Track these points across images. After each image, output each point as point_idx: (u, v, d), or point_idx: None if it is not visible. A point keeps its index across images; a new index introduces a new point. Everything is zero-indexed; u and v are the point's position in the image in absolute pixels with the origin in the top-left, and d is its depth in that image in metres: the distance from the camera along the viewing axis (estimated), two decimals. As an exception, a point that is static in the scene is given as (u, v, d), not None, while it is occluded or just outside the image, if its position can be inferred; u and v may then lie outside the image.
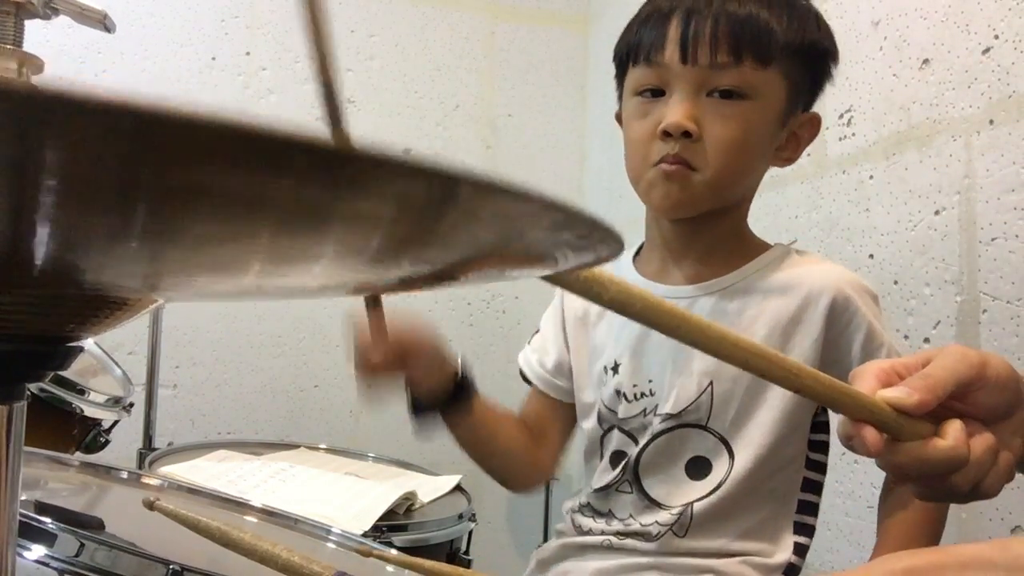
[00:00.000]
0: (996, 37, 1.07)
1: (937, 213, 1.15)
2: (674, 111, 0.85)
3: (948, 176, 1.13)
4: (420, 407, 0.97)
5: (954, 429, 0.54)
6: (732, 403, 0.89)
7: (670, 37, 0.86)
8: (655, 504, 0.92)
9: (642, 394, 0.94)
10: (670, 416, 0.91)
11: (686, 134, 0.85)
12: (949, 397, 0.54)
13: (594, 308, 1.00)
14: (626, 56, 0.92)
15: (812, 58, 0.90)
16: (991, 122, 1.07)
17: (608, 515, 0.96)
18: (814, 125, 0.94)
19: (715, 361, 0.90)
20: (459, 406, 0.97)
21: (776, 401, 0.88)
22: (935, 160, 1.15)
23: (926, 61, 1.18)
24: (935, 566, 0.37)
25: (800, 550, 0.92)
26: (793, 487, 0.92)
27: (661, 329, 0.52)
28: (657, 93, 0.88)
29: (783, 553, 0.90)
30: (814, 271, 0.91)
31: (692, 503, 0.90)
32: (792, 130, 0.92)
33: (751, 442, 0.89)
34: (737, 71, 0.85)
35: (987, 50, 1.08)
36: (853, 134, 1.31)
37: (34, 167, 0.17)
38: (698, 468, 0.91)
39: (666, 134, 0.85)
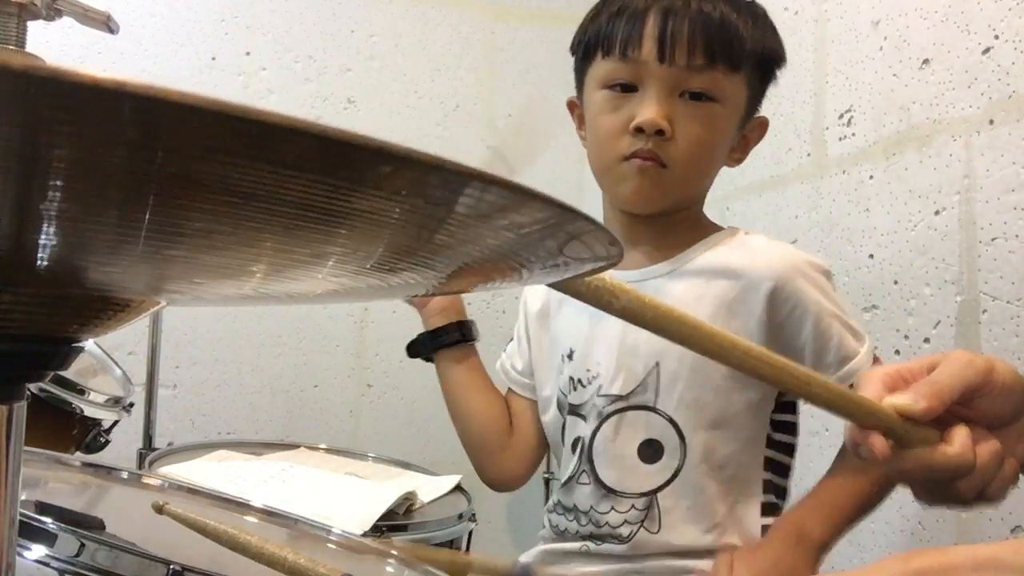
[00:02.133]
0: (996, 37, 1.07)
1: (937, 213, 1.15)
2: (649, 108, 0.86)
3: (948, 176, 1.13)
4: (421, 343, 1.10)
5: (960, 436, 0.54)
6: (678, 383, 0.90)
7: (647, 34, 0.87)
8: (611, 492, 0.92)
9: (592, 378, 0.95)
10: (618, 398, 0.92)
11: (659, 132, 0.86)
12: (955, 403, 0.54)
13: (553, 301, 1.03)
14: (593, 46, 0.92)
15: (769, 64, 0.93)
16: (991, 122, 1.07)
17: (574, 510, 0.96)
18: (763, 128, 0.97)
19: (662, 341, 0.91)
20: (455, 346, 1.08)
21: (722, 383, 0.89)
22: (935, 160, 1.15)
23: (926, 61, 1.18)
24: (946, 567, 0.37)
25: (766, 531, 0.92)
26: (754, 467, 0.93)
27: (672, 338, 0.53)
28: (628, 88, 0.89)
29: (754, 537, 0.91)
30: (759, 255, 0.92)
31: (655, 493, 0.90)
32: (744, 133, 0.95)
33: (699, 424, 0.89)
34: (710, 75, 0.87)
35: (987, 50, 1.08)
36: (853, 134, 1.31)
37: (38, 154, 0.17)
38: (650, 451, 0.91)
39: (639, 130, 0.87)
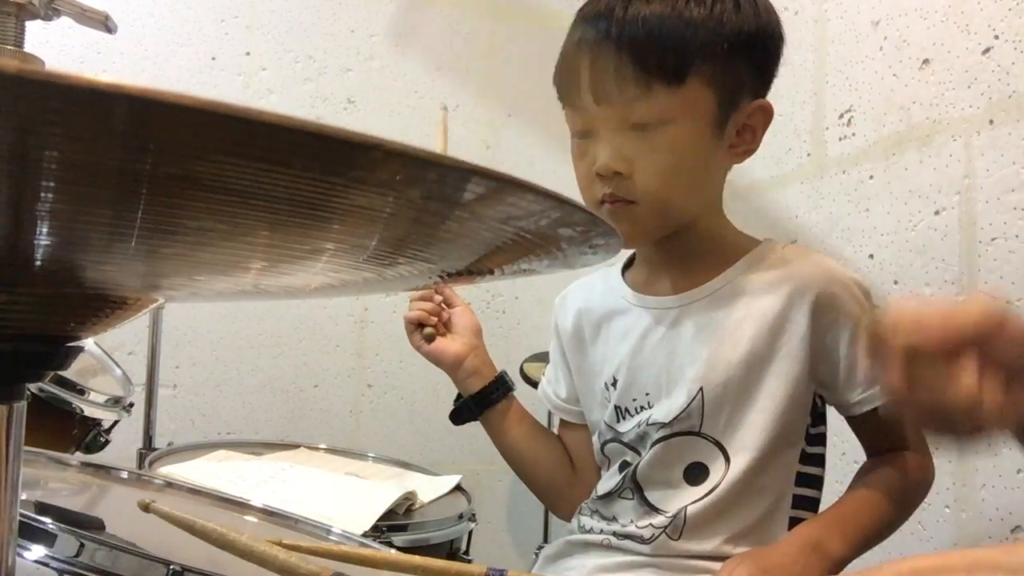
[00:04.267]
0: (996, 37, 1.07)
1: (937, 213, 1.15)
2: (600, 153, 0.85)
3: (948, 176, 1.13)
4: (463, 408, 1.09)
5: (968, 369, 0.56)
6: (724, 408, 0.89)
7: (582, 79, 0.85)
8: (654, 509, 0.92)
9: (640, 408, 0.94)
10: (663, 425, 0.91)
11: (617, 173, 0.85)
12: (968, 345, 0.56)
13: (587, 324, 1.02)
14: (559, 95, 0.92)
15: (742, 49, 0.85)
16: (991, 122, 1.07)
17: (613, 520, 0.96)
18: (765, 112, 0.90)
19: (705, 368, 0.90)
20: (495, 403, 1.07)
21: (767, 403, 0.88)
22: (935, 160, 1.15)
23: (926, 61, 1.18)
24: (940, 568, 0.37)
25: None
26: (787, 483, 0.91)
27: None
28: (587, 133, 0.88)
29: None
30: (799, 268, 0.90)
31: (686, 506, 0.89)
32: (741, 124, 0.88)
33: (745, 445, 0.88)
34: (650, 101, 0.83)
35: (987, 50, 1.08)
36: (853, 134, 1.31)
37: (32, 155, 0.17)
38: (696, 474, 0.91)
39: (601, 175, 0.86)
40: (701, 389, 0.89)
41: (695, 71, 0.83)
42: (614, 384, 0.97)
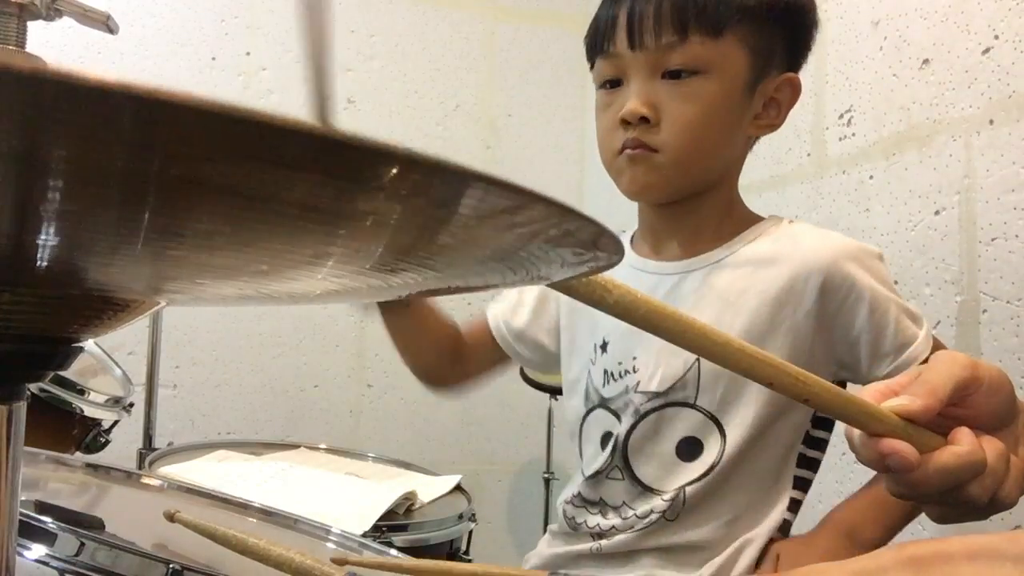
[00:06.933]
0: (996, 37, 1.07)
1: (937, 213, 1.15)
2: (630, 98, 0.85)
3: (948, 176, 1.13)
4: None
5: (965, 434, 0.53)
6: (721, 380, 0.87)
7: (619, 24, 0.86)
8: (648, 490, 0.89)
9: (625, 371, 0.92)
10: (656, 395, 0.89)
11: (644, 119, 0.84)
12: (949, 405, 0.53)
13: None
14: (588, 48, 0.92)
15: (778, 18, 0.86)
16: (991, 122, 1.07)
17: (600, 504, 0.93)
18: (793, 87, 0.90)
19: None
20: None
21: None
22: (935, 160, 1.15)
23: (926, 61, 1.18)
24: (941, 554, 0.36)
25: (785, 527, 0.89)
26: (789, 463, 0.89)
27: (664, 335, 0.51)
28: (616, 83, 0.88)
29: (773, 531, 0.88)
30: (805, 243, 0.88)
31: (684, 487, 0.87)
32: (769, 95, 0.89)
33: (743, 420, 0.86)
34: (685, 48, 0.83)
35: (987, 50, 1.08)
36: (853, 134, 1.31)
37: (38, 155, 0.17)
38: (690, 449, 0.88)
39: (625, 122, 0.85)
40: (698, 360, 0.87)
41: (732, 28, 0.84)
42: (603, 347, 0.94)
